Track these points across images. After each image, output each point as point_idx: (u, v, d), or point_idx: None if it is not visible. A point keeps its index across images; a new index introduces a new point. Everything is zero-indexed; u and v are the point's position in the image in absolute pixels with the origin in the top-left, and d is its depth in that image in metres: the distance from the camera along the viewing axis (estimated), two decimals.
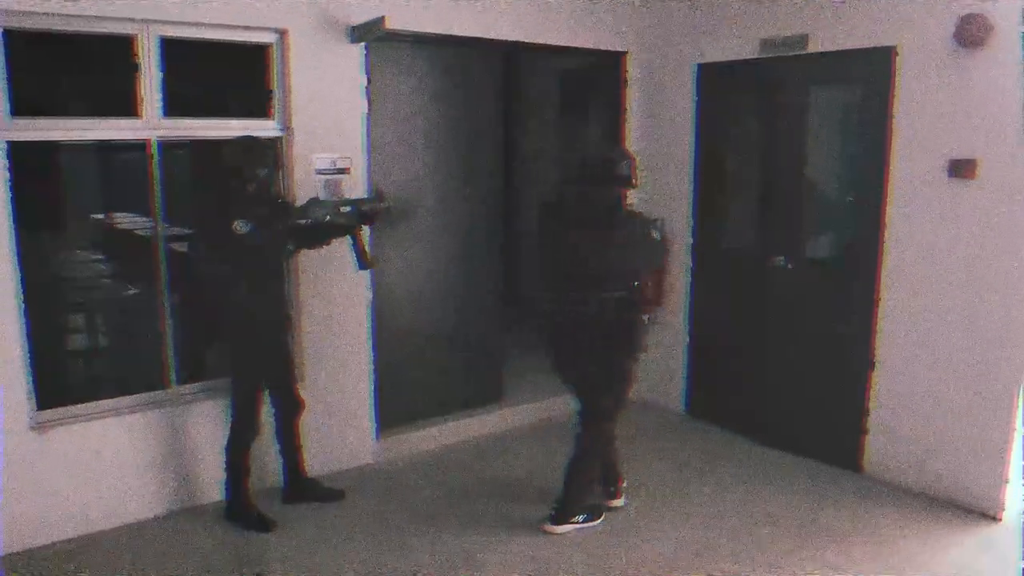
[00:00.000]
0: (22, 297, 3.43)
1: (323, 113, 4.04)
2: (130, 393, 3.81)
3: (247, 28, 3.83)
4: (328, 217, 3.66)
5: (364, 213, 3.75)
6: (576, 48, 4.97)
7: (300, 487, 3.96)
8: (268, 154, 3.65)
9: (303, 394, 3.91)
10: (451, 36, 4.39)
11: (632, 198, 3.59)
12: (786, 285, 4.55)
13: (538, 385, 5.15)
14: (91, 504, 3.63)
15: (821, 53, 4.24)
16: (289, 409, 3.85)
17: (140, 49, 3.59)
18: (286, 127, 4.00)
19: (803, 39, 4.30)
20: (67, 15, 3.36)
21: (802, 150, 4.53)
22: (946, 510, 3.87)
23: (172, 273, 3.80)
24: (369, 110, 4.22)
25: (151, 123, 3.67)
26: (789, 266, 4.53)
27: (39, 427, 3.52)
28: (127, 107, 3.63)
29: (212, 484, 3.86)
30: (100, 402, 3.74)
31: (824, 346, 4.39)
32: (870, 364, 4.17)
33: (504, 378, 5.19)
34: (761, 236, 4.79)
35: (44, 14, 3.32)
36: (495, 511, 3.91)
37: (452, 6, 4.33)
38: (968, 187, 3.73)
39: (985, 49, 3.60)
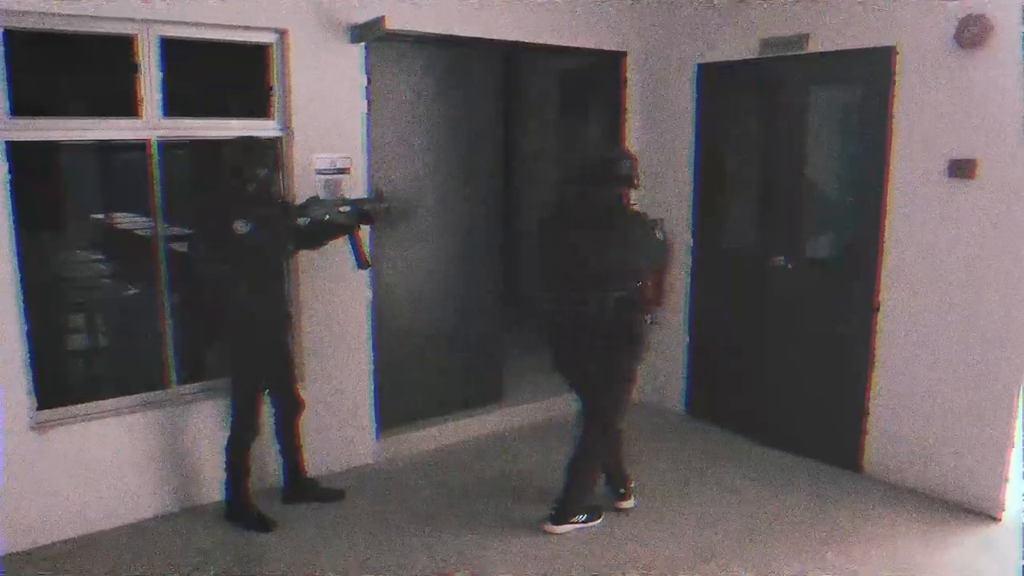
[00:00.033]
0: (22, 297, 3.42)
1: (323, 113, 4.04)
2: (130, 393, 3.81)
3: (247, 28, 3.83)
4: (328, 216, 3.67)
5: (364, 213, 3.77)
6: (576, 48, 4.97)
7: (300, 487, 3.96)
8: (268, 154, 3.65)
9: (303, 394, 3.91)
10: (451, 36, 4.38)
11: (632, 198, 3.59)
12: (786, 285, 4.55)
13: (538, 385, 5.16)
14: (91, 504, 3.63)
15: (821, 53, 4.24)
16: (289, 409, 3.85)
17: (140, 49, 3.59)
18: (286, 127, 4.00)
19: (803, 39, 4.30)
20: (67, 15, 3.36)
21: (802, 150, 4.53)
22: (946, 510, 3.87)
23: (172, 273, 3.80)
24: (369, 110, 4.22)
25: (151, 123, 3.67)
26: (789, 266, 4.53)
27: (39, 427, 3.52)
28: (127, 107, 3.63)
29: (212, 484, 3.86)
30: (100, 402, 3.73)
31: (824, 346, 4.39)
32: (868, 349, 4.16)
33: (504, 378, 5.19)
34: (761, 236, 4.79)
35: (44, 14, 3.32)
36: (495, 511, 3.91)
37: (452, 6, 4.33)
38: (968, 187, 3.73)
39: (985, 49, 3.60)
